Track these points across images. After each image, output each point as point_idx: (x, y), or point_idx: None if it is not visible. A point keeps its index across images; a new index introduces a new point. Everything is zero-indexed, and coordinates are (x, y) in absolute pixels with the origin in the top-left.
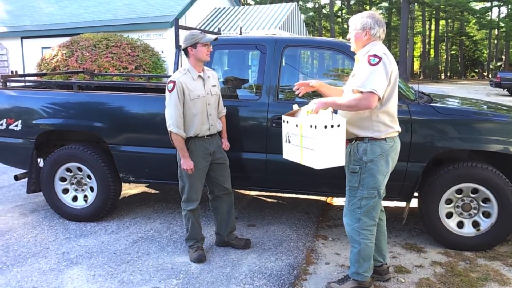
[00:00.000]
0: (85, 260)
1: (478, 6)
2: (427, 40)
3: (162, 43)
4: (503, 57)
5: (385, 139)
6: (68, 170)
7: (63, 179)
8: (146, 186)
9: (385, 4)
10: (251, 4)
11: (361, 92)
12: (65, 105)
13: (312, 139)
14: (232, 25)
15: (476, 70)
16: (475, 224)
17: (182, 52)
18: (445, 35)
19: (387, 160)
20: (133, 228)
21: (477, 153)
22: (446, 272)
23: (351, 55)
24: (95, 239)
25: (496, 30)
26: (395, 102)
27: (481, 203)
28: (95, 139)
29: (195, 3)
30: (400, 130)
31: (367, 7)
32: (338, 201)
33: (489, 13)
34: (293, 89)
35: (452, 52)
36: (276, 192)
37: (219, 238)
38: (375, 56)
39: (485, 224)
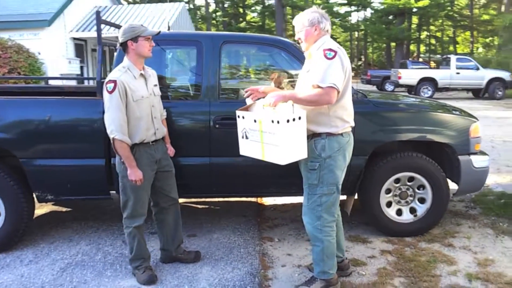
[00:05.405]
0: None
1: (342, 10)
2: None
3: (39, 44)
4: (362, 57)
5: (341, 134)
6: None
7: None
8: (53, 204)
9: (258, 7)
10: (137, 3)
11: (321, 88)
12: None
13: (274, 135)
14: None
15: None
16: (412, 211)
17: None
18: None
19: (344, 155)
20: (55, 255)
21: (405, 143)
22: (398, 260)
23: (292, 52)
24: (10, 273)
25: (356, 32)
26: (350, 96)
27: (417, 190)
28: None
29: (74, 0)
30: (353, 124)
31: (241, 10)
32: (268, 200)
33: (350, 17)
34: (244, 96)
35: None
36: (221, 197)
37: (165, 253)
38: (330, 50)
39: (421, 209)
